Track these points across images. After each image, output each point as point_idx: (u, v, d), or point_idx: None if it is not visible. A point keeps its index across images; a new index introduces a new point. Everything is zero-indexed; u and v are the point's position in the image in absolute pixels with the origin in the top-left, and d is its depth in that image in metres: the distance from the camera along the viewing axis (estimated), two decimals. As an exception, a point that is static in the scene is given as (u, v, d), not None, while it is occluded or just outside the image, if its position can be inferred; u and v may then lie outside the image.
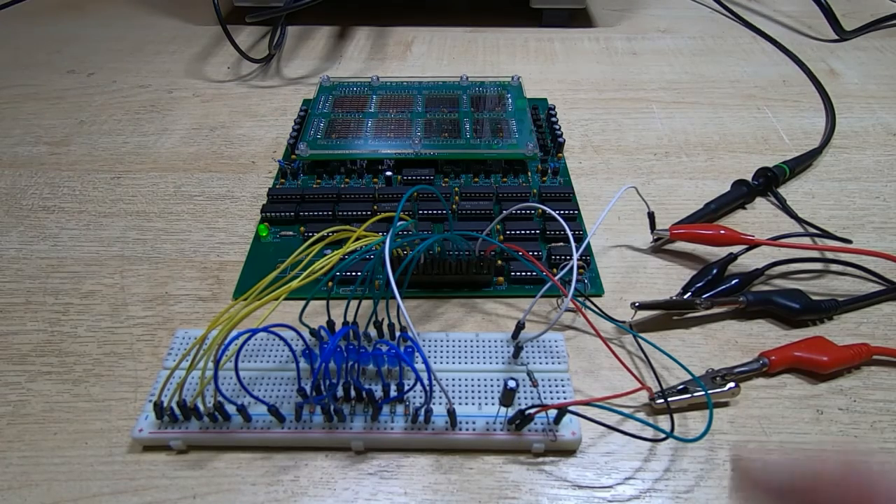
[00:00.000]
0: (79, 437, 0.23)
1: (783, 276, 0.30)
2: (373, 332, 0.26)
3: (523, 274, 0.29)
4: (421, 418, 0.22)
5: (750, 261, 0.30)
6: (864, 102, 0.45)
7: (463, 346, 0.25)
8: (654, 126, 0.42)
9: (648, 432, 0.23)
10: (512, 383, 0.21)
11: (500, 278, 0.29)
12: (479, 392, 0.24)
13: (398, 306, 0.22)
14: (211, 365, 0.21)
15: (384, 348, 0.24)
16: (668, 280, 0.30)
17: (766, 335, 0.27)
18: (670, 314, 0.28)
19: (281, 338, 0.21)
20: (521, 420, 0.22)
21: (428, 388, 0.21)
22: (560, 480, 0.22)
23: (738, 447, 0.21)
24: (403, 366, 0.24)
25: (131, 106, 0.45)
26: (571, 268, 0.26)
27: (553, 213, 0.27)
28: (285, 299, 0.23)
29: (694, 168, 0.38)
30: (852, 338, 0.27)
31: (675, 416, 0.24)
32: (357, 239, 0.25)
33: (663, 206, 0.34)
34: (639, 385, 0.24)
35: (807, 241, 0.32)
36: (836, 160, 0.39)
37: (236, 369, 0.21)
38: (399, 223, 0.26)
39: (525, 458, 0.23)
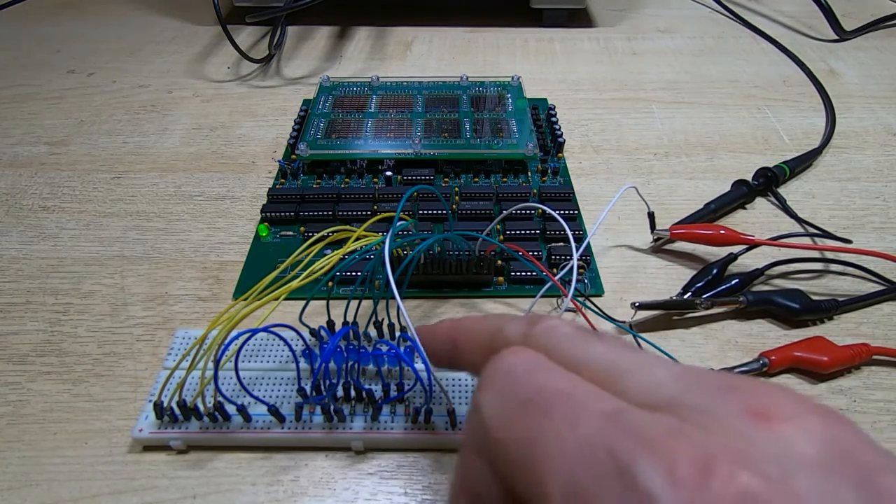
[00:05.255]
0: (79, 437, 0.23)
1: (783, 276, 0.30)
2: (373, 332, 0.26)
3: (523, 274, 0.29)
4: (421, 418, 0.22)
5: (750, 261, 0.30)
6: (864, 102, 0.45)
7: (463, 346, 0.25)
8: (654, 126, 0.42)
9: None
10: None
11: (500, 278, 0.29)
12: (479, 392, 0.24)
13: (398, 306, 0.22)
14: (211, 365, 0.21)
15: (384, 348, 0.24)
16: (668, 280, 0.30)
17: (766, 335, 0.27)
18: (670, 314, 0.28)
19: (281, 338, 0.21)
20: (521, 420, 0.22)
21: (428, 388, 0.21)
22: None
23: None
24: (403, 366, 0.24)
25: (131, 106, 0.45)
26: (571, 268, 0.26)
27: (553, 213, 0.27)
28: (285, 299, 0.23)
29: (694, 168, 0.38)
30: (852, 338, 0.27)
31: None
32: (357, 239, 0.25)
33: (663, 206, 0.34)
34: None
35: (807, 241, 0.32)
36: (836, 160, 0.39)
37: (236, 369, 0.21)
38: (399, 223, 0.26)
39: (525, 458, 0.23)
